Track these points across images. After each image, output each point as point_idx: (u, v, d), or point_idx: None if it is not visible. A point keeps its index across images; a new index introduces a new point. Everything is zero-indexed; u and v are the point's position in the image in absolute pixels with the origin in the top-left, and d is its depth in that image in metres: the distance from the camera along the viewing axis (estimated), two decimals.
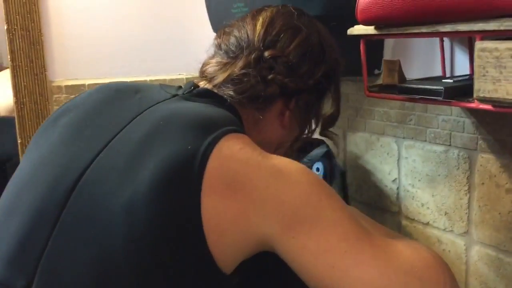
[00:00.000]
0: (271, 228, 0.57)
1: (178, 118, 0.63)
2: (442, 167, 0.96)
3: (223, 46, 0.76)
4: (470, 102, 0.71)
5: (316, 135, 0.87)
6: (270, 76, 0.72)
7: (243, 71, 0.72)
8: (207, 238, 0.55)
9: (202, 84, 0.75)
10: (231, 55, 0.75)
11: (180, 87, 0.75)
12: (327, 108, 0.84)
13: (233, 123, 0.64)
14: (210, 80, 0.74)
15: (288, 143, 0.80)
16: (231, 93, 0.71)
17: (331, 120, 0.84)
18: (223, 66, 0.74)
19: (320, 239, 0.56)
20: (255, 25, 0.75)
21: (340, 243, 0.56)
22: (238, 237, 0.57)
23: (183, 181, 0.56)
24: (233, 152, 0.58)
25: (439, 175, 0.97)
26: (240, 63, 0.73)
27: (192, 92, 0.72)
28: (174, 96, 0.70)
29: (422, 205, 1.01)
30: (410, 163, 1.03)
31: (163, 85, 0.76)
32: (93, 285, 0.55)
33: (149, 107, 0.67)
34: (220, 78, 0.72)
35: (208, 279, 0.58)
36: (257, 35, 0.74)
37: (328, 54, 0.78)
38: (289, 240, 0.57)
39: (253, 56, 0.73)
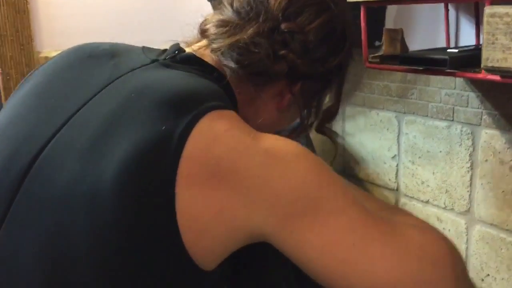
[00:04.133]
0: (265, 222, 0.50)
1: (152, 90, 0.54)
2: (444, 143, 0.92)
3: (235, 3, 0.64)
4: (476, 72, 0.67)
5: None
6: (281, 52, 0.62)
7: (254, 39, 0.60)
8: (182, 236, 0.48)
9: (198, 45, 0.64)
10: (243, 17, 0.62)
11: (164, 50, 0.64)
12: (325, 101, 0.77)
13: (219, 97, 0.55)
14: (210, 42, 0.63)
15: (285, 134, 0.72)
16: (232, 64, 0.60)
17: (330, 115, 0.74)
18: (231, 28, 0.62)
19: (324, 232, 0.49)
20: None
21: (347, 235, 0.50)
22: (222, 234, 0.50)
23: (154, 169, 0.48)
24: (217, 134, 0.50)
25: (440, 152, 0.93)
26: (251, 30, 0.61)
27: (175, 57, 0.62)
28: (153, 61, 0.60)
29: (422, 182, 0.98)
30: (411, 139, 0.99)
31: (146, 48, 0.66)
32: (45, 284, 0.50)
33: (122, 75, 0.58)
34: (224, 42, 0.61)
35: (184, 279, 0.51)
36: (278, 1, 0.63)
37: (348, 45, 0.68)
38: (287, 235, 0.50)
39: (268, 25, 0.61)
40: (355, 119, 1.11)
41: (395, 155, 1.03)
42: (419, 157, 0.98)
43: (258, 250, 0.65)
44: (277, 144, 0.53)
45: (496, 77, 0.64)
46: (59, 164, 0.53)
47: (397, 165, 1.03)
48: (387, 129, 1.04)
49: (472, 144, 0.87)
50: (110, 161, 0.50)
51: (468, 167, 0.88)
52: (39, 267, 0.51)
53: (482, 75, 0.65)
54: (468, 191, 0.89)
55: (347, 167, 1.14)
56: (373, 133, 1.07)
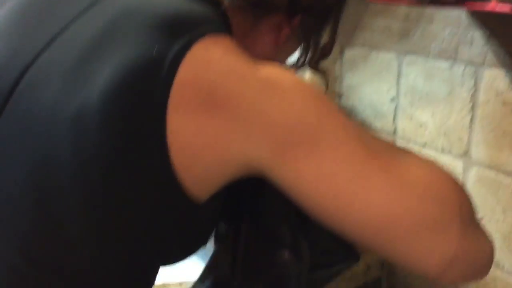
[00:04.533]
0: (259, 153, 0.47)
1: (143, 11, 0.51)
2: (445, 84, 0.90)
3: None
4: (486, 2, 0.64)
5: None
6: None
7: None
8: (174, 164, 0.46)
9: None
10: None
11: None
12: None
13: (214, 23, 0.53)
14: None
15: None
16: None
17: (325, 51, 0.71)
18: None
19: (321, 164, 0.47)
20: None
21: (345, 168, 0.47)
22: (214, 163, 0.47)
23: (145, 94, 0.46)
24: (211, 60, 0.47)
25: (441, 93, 0.91)
26: None
27: None
28: None
29: (420, 125, 0.96)
30: (411, 81, 0.96)
31: None
32: (33, 212, 0.48)
33: None
34: None
35: (173, 211, 0.49)
36: None
37: None
38: (282, 167, 0.47)
39: None
40: (354, 61, 1.08)
41: (393, 98, 1.01)
42: (419, 99, 0.95)
43: (255, 190, 0.63)
44: (274, 72, 0.50)
45: (506, 9, 0.61)
46: (44, 85, 0.50)
47: (395, 108, 1.01)
48: (387, 71, 1.01)
49: (474, 85, 0.85)
50: (96, 84, 0.47)
51: (469, 109, 0.86)
52: (25, 195, 0.48)
53: (492, 5, 0.62)
54: (467, 133, 0.88)
55: (343, 110, 1.12)
56: (372, 76, 1.04)
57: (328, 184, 0.47)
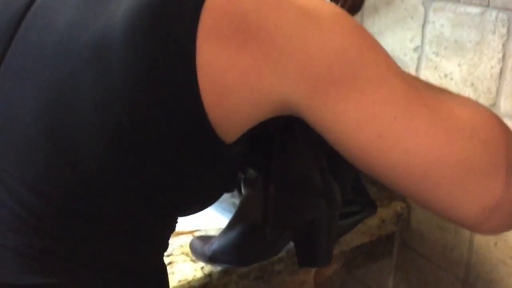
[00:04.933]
0: (296, 90, 0.44)
1: None
2: (475, 32, 0.85)
3: None
4: None
5: None
6: None
7: None
8: (204, 99, 0.43)
9: None
10: None
11: None
12: None
13: None
14: None
15: None
16: None
17: (355, 5, 0.69)
18: None
19: (362, 103, 0.43)
20: None
21: (388, 107, 0.43)
22: (246, 99, 0.44)
23: (173, 19, 0.42)
24: None
25: (470, 42, 0.86)
26: None
27: None
28: None
29: (446, 75, 0.91)
30: (437, 29, 0.91)
31: None
32: (44, 148, 0.45)
33: None
34: None
35: (200, 149, 0.46)
36: None
37: None
38: (321, 106, 0.44)
39: None
40: (375, 7, 1.03)
41: (417, 47, 0.96)
42: (445, 48, 0.91)
43: (285, 133, 0.59)
44: (313, 1, 0.45)
45: None
46: (59, 7, 0.46)
47: (418, 57, 0.96)
48: (412, 18, 0.96)
49: (507, 32, 0.80)
50: (119, 7, 0.43)
51: (500, 58, 0.82)
52: (40, 130, 0.45)
53: None
54: (496, 84, 0.83)
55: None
56: (395, 23, 0.99)
57: (372, 125, 0.43)
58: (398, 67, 0.47)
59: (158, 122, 0.43)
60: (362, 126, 0.44)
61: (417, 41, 0.95)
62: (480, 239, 0.90)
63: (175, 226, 0.55)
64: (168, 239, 0.55)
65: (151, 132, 0.44)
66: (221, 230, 0.71)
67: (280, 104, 0.45)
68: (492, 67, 0.83)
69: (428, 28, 0.93)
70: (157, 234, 0.53)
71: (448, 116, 0.45)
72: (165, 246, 0.55)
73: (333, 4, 0.48)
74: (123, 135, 0.43)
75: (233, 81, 0.43)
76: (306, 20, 0.44)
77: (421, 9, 0.93)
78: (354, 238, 0.95)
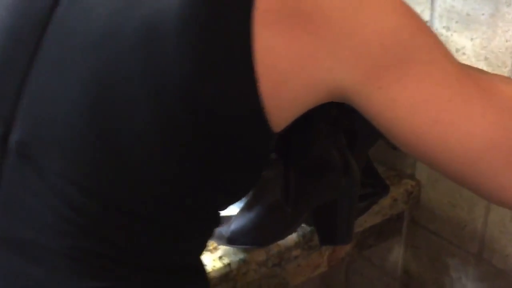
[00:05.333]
0: (349, 75, 0.43)
1: None
2: (489, 4, 0.83)
3: None
4: None
5: None
6: None
7: None
8: (260, 86, 0.41)
9: None
10: None
11: None
12: None
13: None
14: None
15: None
16: None
17: None
18: None
19: (416, 86, 0.42)
20: None
21: (442, 91, 0.42)
22: (301, 86, 0.43)
23: (228, 4, 0.40)
24: None
25: (483, 14, 0.84)
26: None
27: None
28: None
29: (457, 50, 0.89)
30: (448, 2, 0.89)
31: None
32: (88, 141, 0.43)
33: None
34: None
35: (252, 139, 0.45)
36: None
37: None
38: (374, 92, 0.43)
39: None
40: None
41: (426, 22, 0.93)
42: (456, 22, 0.88)
43: (304, 116, 0.58)
44: None
45: None
46: None
47: None
48: None
49: None
50: None
51: None
52: (85, 123, 0.43)
53: None
54: (511, 58, 0.82)
55: None
56: None
57: (427, 109, 0.42)
58: (445, 47, 0.45)
59: (211, 110, 0.42)
60: (417, 111, 0.42)
61: (426, 16, 0.93)
62: (495, 215, 0.89)
63: (214, 227, 0.54)
64: (208, 240, 0.55)
65: (204, 121, 0.42)
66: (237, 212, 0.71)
67: (332, 89, 0.44)
68: (507, 40, 0.82)
69: (438, 1, 0.90)
70: (200, 234, 0.52)
71: (500, 97, 0.44)
72: (205, 246, 0.55)
73: None
74: (175, 125, 0.42)
75: (290, 67, 0.41)
76: (359, 2, 0.42)
77: None
78: (368, 219, 0.93)
